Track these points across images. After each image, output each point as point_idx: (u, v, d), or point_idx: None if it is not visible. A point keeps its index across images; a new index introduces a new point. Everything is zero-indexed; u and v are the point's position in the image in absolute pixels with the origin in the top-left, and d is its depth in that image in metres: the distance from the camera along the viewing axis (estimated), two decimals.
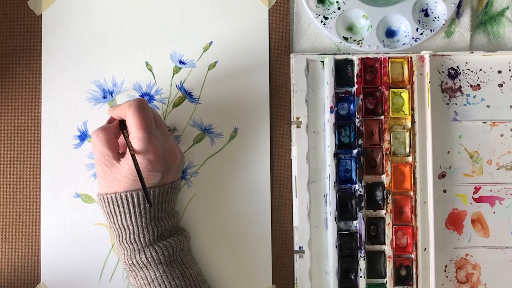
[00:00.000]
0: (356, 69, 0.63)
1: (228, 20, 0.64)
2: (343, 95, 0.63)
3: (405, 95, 0.63)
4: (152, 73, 0.64)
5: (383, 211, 0.62)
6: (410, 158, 0.62)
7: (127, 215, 0.54)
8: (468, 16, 0.65)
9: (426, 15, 0.65)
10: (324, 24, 0.64)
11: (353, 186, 0.62)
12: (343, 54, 0.63)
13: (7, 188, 0.62)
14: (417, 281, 0.61)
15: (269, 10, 0.64)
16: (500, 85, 0.64)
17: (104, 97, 0.63)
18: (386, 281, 0.61)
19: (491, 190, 0.63)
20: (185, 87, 0.64)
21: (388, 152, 0.62)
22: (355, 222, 0.62)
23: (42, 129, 0.63)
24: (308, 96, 0.63)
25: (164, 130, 0.57)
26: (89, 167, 0.63)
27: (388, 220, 0.62)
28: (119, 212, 0.54)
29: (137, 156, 0.53)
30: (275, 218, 0.63)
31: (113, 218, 0.55)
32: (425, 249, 0.62)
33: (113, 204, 0.54)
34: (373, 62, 0.63)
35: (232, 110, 0.63)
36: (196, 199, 0.63)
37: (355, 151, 0.63)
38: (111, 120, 0.58)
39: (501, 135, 0.63)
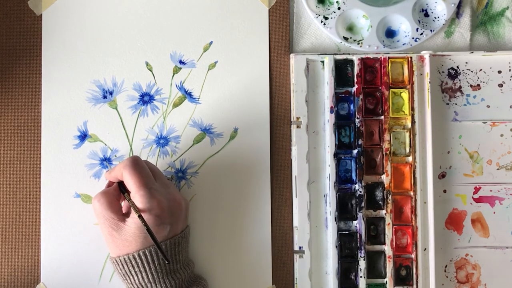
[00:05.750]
0: (356, 69, 0.63)
1: (228, 20, 0.64)
2: (343, 95, 0.63)
3: (405, 95, 0.63)
4: (152, 73, 0.64)
5: (383, 211, 0.62)
6: (410, 158, 0.62)
7: (143, 274, 0.54)
8: (468, 16, 0.65)
9: (426, 15, 0.65)
10: (324, 24, 0.64)
11: (353, 186, 0.62)
12: (343, 54, 0.63)
13: (7, 188, 0.62)
14: (417, 281, 0.61)
15: (269, 10, 0.64)
16: (500, 85, 0.64)
17: (104, 97, 0.63)
18: (386, 281, 0.61)
19: (491, 190, 0.63)
20: (185, 87, 0.64)
21: (388, 152, 0.62)
22: (355, 222, 0.62)
23: (42, 129, 0.63)
24: (308, 96, 0.63)
25: (163, 180, 0.57)
26: (89, 167, 0.63)
27: (388, 220, 0.62)
28: (135, 272, 0.54)
29: (143, 214, 0.53)
30: (275, 218, 0.63)
31: (130, 278, 0.55)
32: (425, 249, 0.62)
33: (127, 265, 0.54)
34: (373, 62, 0.63)
35: (232, 110, 0.64)
36: (196, 199, 0.63)
37: (355, 151, 0.63)
38: (109, 184, 0.58)
39: (501, 135, 0.63)
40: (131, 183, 0.53)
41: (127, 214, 0.54)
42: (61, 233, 0.62)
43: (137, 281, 0.54)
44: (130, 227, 0.53)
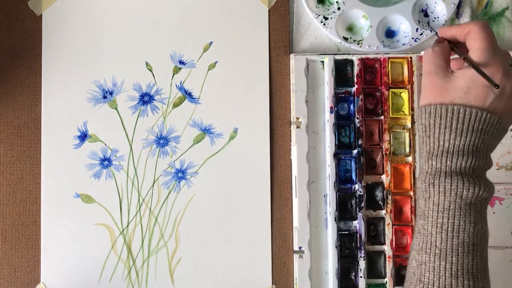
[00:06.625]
0: (356, 69, 0.63)
1: (228, 20, 0.64)
2: (343, 95, 0.63)
3: (405, 95, 0.63)
4: (152, 73, 0.64)
5: (383, 211, 0.62)
6: (410, 158, 0.62)
7: (446, 130, 0.49)
8: (468, 16, 0.65)
9: (426, 15, 0.65)
10: (324, 24, 0.64)
11: (353, 186, 0.62)
12: (343, 54, 0.63)
13: (7, 188, 0.62)
14: None
15: (269, 10, 0.64)
16: None
17: (104, 97, 0.63)
18: (386, 281, 0.61)
19: None
20: (185, 87, 0.64)
21: (388, 152, 0.62)
22: (355, 222, 0.62)
23: (42, 129, 0.63)
24: (308, 96, 0.63)
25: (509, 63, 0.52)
26: (89, 167, 0.63)
27: (388, 220, 0.62)
28: (439, 124, 0.49)
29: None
30: (275, 218, 0.63)
31: (429, 131, 0.50)
32: None
33: (434, 116, 0.50)
34: (373, 62, 0.63)
35: (232, 110, 0.64)
36: (196, 199, 0.63)
37: (355, 151, 0.63)
38: (440, 41, 0.54)
39: None
40: (477, 37, 0.50)
41: (454, 68, 0.52)
42: (61, 233, 0.62)
43: (435, 135, 0.50)
44: (457, 77, 0.50)
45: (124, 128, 0.63)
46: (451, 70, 0.51)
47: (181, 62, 0.64)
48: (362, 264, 0.61)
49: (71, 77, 0.63)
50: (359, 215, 0.62)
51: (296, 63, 0.63)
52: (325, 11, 0.65)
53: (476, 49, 0.50)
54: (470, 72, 0.49)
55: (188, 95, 0.64)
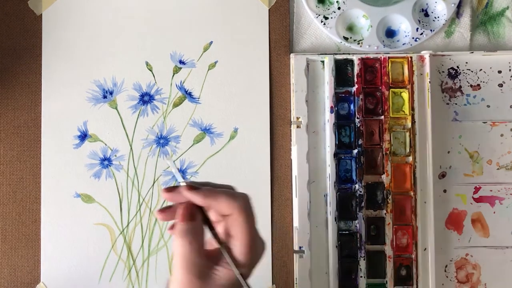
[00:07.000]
0: (356, 69, 0.63)
1: (228, 20, 0.64)
2: (343, 95, 0.63)
3: (405, 95, 0.63)
4: (152, 73, 0.64)
5: (383, 211, 0.62)
6: (410, 158, 0.62)
7: None
8: (468, 16, 0.65)
9: (426, 15, 0.65)
10: (324, 24, 0.64)
11: (353, 186, 0.62)
12: (343, 54, 0.63)
13: (7, 188, 0.62)
14: (417, 281, 0.61)
15: (269, 10, 0.64)
16: (500, 85, 0.64)
17: (104, 97, 0.63)
18: (386, 281, 0.61)
19: (491, 190, 0.63)
20: (185, 87, 0.64)
21: (388, 152, 0.62)
22: (355, 222, 0.62)
23: (42, 129, 0.63)
24: (308, 96, 0.63)
25: None
26: (89, 167, 0.63)
27: (388, 220, 0.62)
28: None
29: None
30: (275, 218, 0.63)
31: None
32: (425, 249, 0.62)
33: None
34: (373, 62, 0.63)
35: (232, 110, 0.64)
36: None
37: (355, 151, 0.63)
38: (188, 211, 0.44)
39: (501, 135, 0.63)
40: (240, 230, 0.42)
41: (213, 259, 0.43)
42: (61, 233, 0.62)
43: None
44: (220, 277, 0.42)
45: (124, 128, 0.63)
46: (212, 264, 0.42)
47: (181, 62, 0.64)
48: (362, 264, 0.61)
49: (71, 77, 0.63)
50: (359, 215, 0.62)
51: (296, 62, 0.63)
52: (325, 11, 0.65)
53: (238, 239, 0.42)
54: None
55: (188, 94, 0.64)
